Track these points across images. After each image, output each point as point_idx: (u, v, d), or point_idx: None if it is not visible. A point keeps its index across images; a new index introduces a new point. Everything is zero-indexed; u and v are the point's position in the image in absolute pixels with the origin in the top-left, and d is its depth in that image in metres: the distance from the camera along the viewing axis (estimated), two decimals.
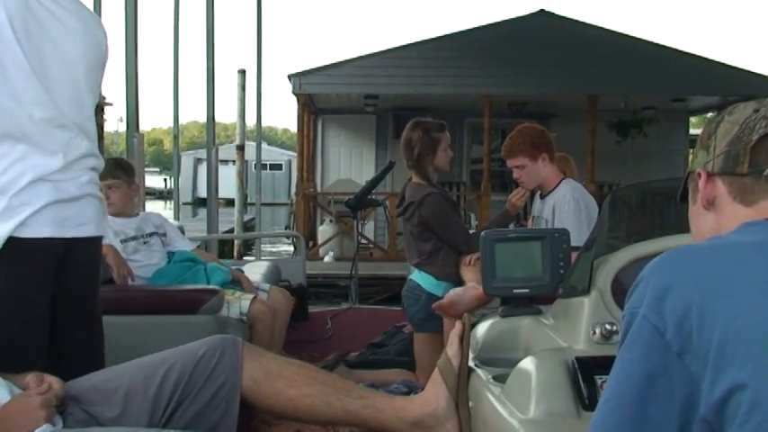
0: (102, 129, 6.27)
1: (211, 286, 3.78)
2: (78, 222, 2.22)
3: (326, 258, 12.71)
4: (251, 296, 3.91)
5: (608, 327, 1.83)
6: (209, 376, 1.94)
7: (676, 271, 1.15)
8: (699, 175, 1.34)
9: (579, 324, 1.93)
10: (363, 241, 11.99)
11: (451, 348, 2.02)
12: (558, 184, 3.88)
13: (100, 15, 7.16)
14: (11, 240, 2.06)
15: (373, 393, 2.09)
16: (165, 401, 1.91)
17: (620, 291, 1.89)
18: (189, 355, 1.97)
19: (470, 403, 2.01)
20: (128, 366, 2.01)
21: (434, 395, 1.98)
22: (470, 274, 3.68)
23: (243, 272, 4.35)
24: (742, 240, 1.20)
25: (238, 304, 3.80)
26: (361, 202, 6.59)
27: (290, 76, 13.25)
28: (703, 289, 1.11)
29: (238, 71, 12.91)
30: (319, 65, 13.51)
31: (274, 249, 17.73)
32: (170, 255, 4.17)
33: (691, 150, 13.90)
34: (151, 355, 2.03)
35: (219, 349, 1.98)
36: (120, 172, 4.08)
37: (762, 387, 1.02)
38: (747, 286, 1.10)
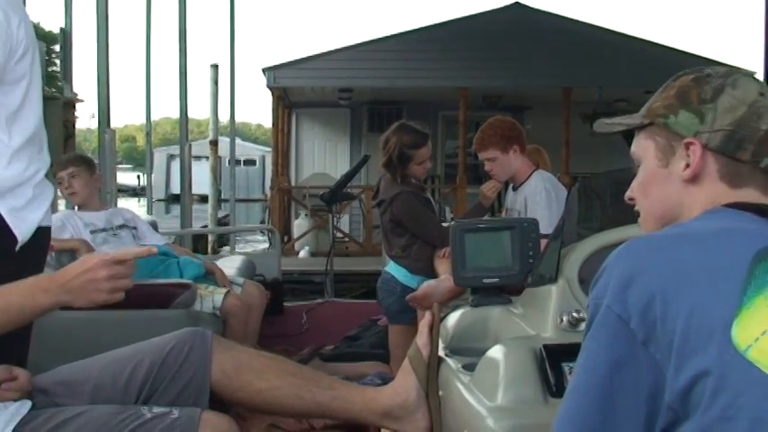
0: (74, 126, 6.22)
1: (184, 280, 3.76)
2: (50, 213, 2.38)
3: (302, 253, 12.68)
4: (224, 290, 3.90)
5: (575, 314, 1.85)
6: (179, 370, 1.93)
7: (639, 260, 1.16)
8: (688, 144, 1.28)
9: (547, 312, 1.94)
10: (339, 235, 11.99)
11: (421, 338, 2.03)
12: (530, 176, 3.90)
13: (71, 11, 7.11)
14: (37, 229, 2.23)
15: (344, 385, 2.09)
16: (134, 395, 1.90)
17: (587, 279, 1.90)
18: (157, 349, 1.96)
19: (440, 392, 2.02)
20: (96, 360, 2.00)
21: (404, 385, 1.99)
22: (444, 266, 3.70)
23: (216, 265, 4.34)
24: (704, 228, 1.20)
25: (211, 299, 3.79)
26: (336, 196, 6.60)
27: (264, 70, 13.20)
28: (666, 278, 1.11)
29: (211, 66, 12.81)
30: (294, 58, 13.47)
31: (248, 246, 17.65)
32: None
33: None
34: (119, 349, 2.02)
35: (189, 342, 1.97)
36: (78, 161, 4.22)
37: (724, 373, 1.04)
38: (710, 274, 1.10)
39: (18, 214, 2.16)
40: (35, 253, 2.29)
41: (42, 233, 2.30)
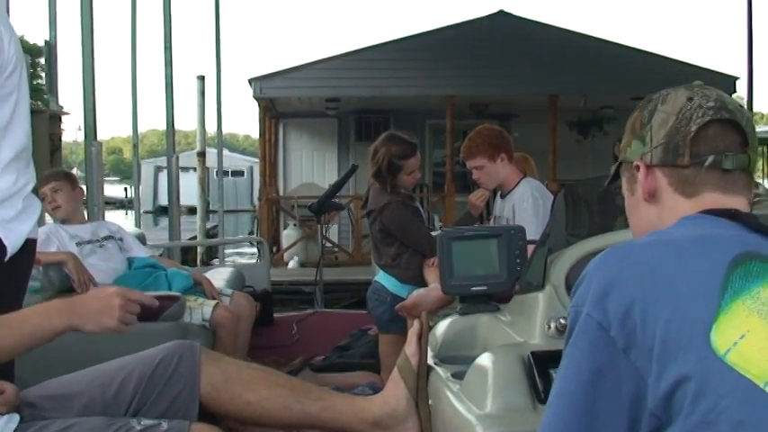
0: (60, 139, 6.20)
1: (172, 293, 3.75)
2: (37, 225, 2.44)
3: (291, 264, 12.67)
4: (213, 302, 3.89)
5: (562, 321, 1.85)
6: (168, 382, 1.93)
7: (618, 268, 1.17)
8: (637, 167, 1.34)
9: (534, 319, 1.95)
10: (328, 245, 11.98)
11: (410, 347, 2.03)
12: (518, 184, 3.91)
13: (55, 23, 7.10)
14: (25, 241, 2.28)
15: (333, 395, 2.09)
16: (123, 408, 1.90)
17: (574, 285, 1.91)
18: (146, 362, 1.96)
19: (430, 401, 2.02)
20: (84, 374, 2.00)
21: (394, 394, 1.99)
22: (433, 275, 3.70)
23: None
24: (681, 235, 1.21)
25: (201, 311, 3.77)
26: (324, 206, 6.58)
27: (250, 81, 13.20)
28: (645, 285, 1.12)
29: (197, 77, 12.81)
30: (280, 69, 13.47)
31: (237, 258, 17.61)
32: (130, 262, 4.16)
33: None
34: (108, 362, 2.02)
35: (177, 354, 1.97)
36: (60, 175, 4.27)
37: (705, 378, 1.04)
38: (687, 281, 1.11)
39: (8, 225, 2.19)
40: (22, 264, 2.32)
41: (29, 245, 2.33)
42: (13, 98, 2.25)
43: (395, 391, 1.99)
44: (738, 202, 1.26)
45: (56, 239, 3.89)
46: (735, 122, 1.29)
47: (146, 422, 1.79)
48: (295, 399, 1.98)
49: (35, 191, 2.46)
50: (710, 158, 1.26)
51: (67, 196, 4.13)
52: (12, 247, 2.22)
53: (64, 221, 4.11)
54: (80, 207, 4.38)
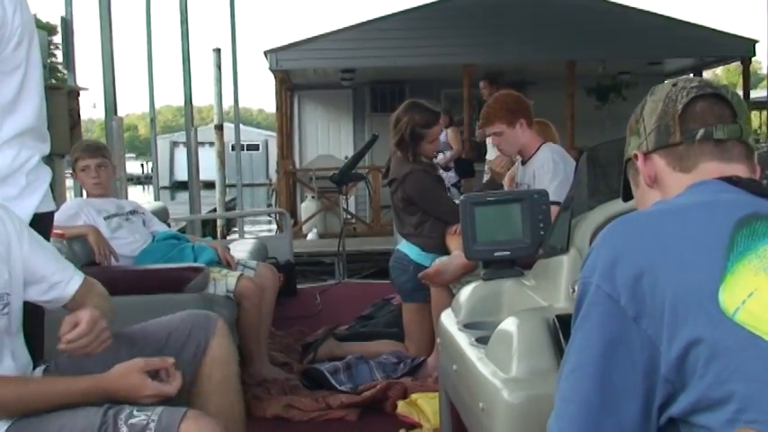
0: (79, 114, 6.21)
1: (196, 264, 3.77)
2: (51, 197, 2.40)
3: (310, 236, 12.70)
4: (237, 274, 3.90)
5: None
6: (180, 351, 2.06)
7: (625, 238, 1.18)
8: (635, 157, 1.38)
9: (559, 283, 1.95)
10: (346, 216, 12.00)
11: None
12: (538, 149, 3.90)
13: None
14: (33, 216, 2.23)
15: None
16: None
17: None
18: (161, 329, 2.10)
19: (454, 366, 2.04)
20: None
21: None
22: (455, 242, 3.71)
23: (229, 249, 4.35)
24: (686, 202, 1.23)
25: (225, 282, 3.80)
26: (345, 177, 6.61)
27: (266, 53, 13.16)
28: (652, 253, 1.14)
29: (213, 50, 12.72)
30: (295, 40, 13.42)
31: (254, 229, 17.66)
32: (152, 236, 4.19)
33: None
34: (132, 327, 2.16)
35: (190, 324, 2.10)
36: (107, 151, 4.22)
37: (716, 339, 1.06)
38: (693, 245, 1.13)
39: (12, 203, 2.13)
40: None
41: (43, 219, 2.29)
42: (19, 72, 2.18)
43: None
44: (738, 170, 1.28)
45: (83, 214, 3.91)
46: (720, 96, 1.32)
47: (133, 420, 1.79)
48: None
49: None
50: (701, 131, 1.29)
51: (109, 174, 4.15)
52: None
53: (89, 195, 4.12)
54: (111, 183, 4.38)
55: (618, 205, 1.97)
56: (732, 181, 1.24)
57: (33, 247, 1.98)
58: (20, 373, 1.93)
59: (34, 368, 2.04)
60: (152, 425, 1.77)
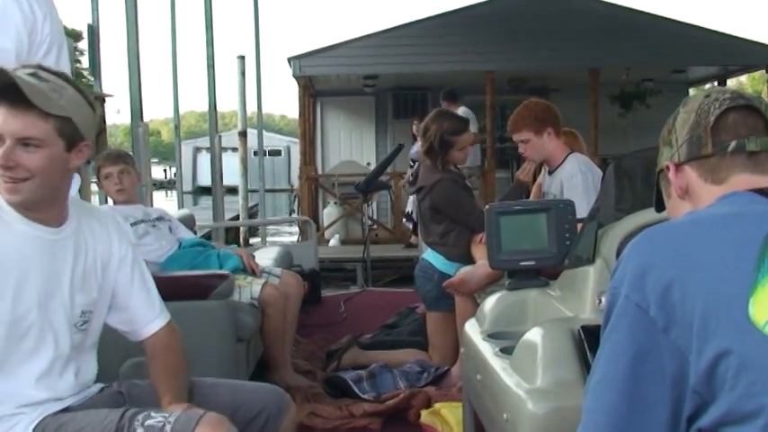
0: (105, 121, 6.27)
1: (221, 271, 3.79)
2: None
3: (332, 242, 12.71)
4: (262, 281, 3.92)
5: None
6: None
7: (654, 249, 1.18)
8: (667, 168, 1.37)
9: (585, 293, 1.95)
10: (368, 222, 12.02)
11: None
12: (565, 159, 3.88)
13: (98, 7, 7.16)
14: None
15: None
16: None
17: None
18: (235, 398, 2.07)
19: (479, 376, 2.03)
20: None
21: None
22: (480, 252, 3.70)
23: (254, 257, 4.36)
24: (715, 213, 1.22)
25: (249, 289, 3.82)
26: (371, 186, 6.63)
27: (289, 60, 13.20)
28: (681, 263, 1.13)
29: (238, 57, 12.83)
30: (318, 47, 13.46)
31: (277, 237, 17.70)
32: (178, 243, 4.20)
33: None
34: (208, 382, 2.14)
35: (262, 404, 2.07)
36: (128, 158, 4.23)
37: (747, 350, 1.05)
38: (722, 256, 1.12)
39: None
40: None
41: None
42: None
43: None
44: None
45: None
46: (753, 107, 1.31)
47: (150, 422, 1.79)
48: None
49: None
50: (733, 143, 1.28)
51: (133, 180, 4.16)
52: None
53: (116, 202, 4.14)
54: (136, 190, 4.40)
55: (645, 216, 1.97)
56: (764, 192, 1.23)
57: (130, 276, 2.00)
58: (78, 389, 1.94)
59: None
60: (168, 427, 1.76)
